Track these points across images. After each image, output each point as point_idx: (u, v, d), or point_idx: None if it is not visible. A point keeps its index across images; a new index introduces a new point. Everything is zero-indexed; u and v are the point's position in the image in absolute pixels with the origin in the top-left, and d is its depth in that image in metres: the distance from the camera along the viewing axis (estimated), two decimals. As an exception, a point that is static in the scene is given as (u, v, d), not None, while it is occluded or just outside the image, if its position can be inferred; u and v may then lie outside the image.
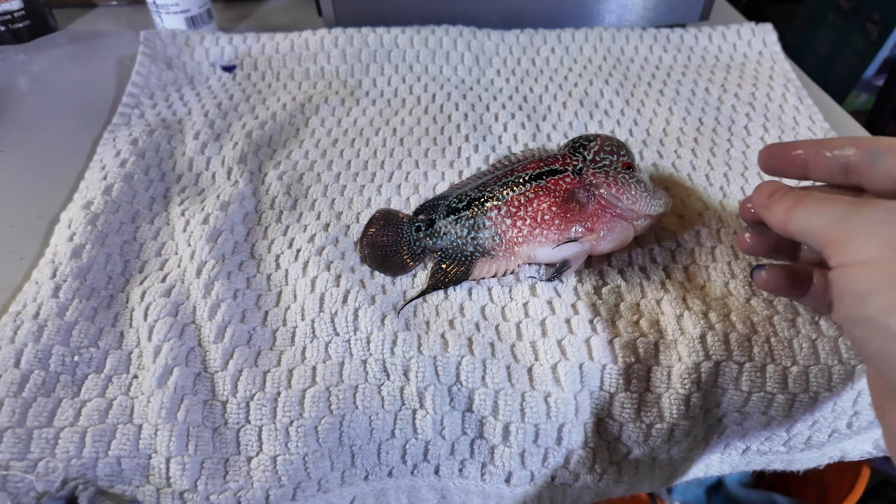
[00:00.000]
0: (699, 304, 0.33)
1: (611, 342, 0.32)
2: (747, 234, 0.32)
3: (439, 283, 0.35)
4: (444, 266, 0.35)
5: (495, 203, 0.35)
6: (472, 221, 0.35)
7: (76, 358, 0.31)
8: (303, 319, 0.33)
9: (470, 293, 0.35)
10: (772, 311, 0.33)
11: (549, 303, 0.34)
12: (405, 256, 0.36)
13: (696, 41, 0.55)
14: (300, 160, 0.44)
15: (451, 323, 0.33)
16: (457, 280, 0.35)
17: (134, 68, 0.51)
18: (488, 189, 0.36)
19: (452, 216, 0.36)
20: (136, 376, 0.31)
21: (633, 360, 0.31)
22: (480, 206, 0.36)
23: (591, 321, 0.33)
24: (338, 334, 0.32)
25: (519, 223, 0.35)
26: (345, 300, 0.33)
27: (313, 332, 0.32)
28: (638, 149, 0.45)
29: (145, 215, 0.40)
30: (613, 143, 0.38)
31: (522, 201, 0.35)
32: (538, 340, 0.32)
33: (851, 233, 0.22)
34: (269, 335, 0.33)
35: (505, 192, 0.36)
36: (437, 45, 0.53)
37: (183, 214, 0.39)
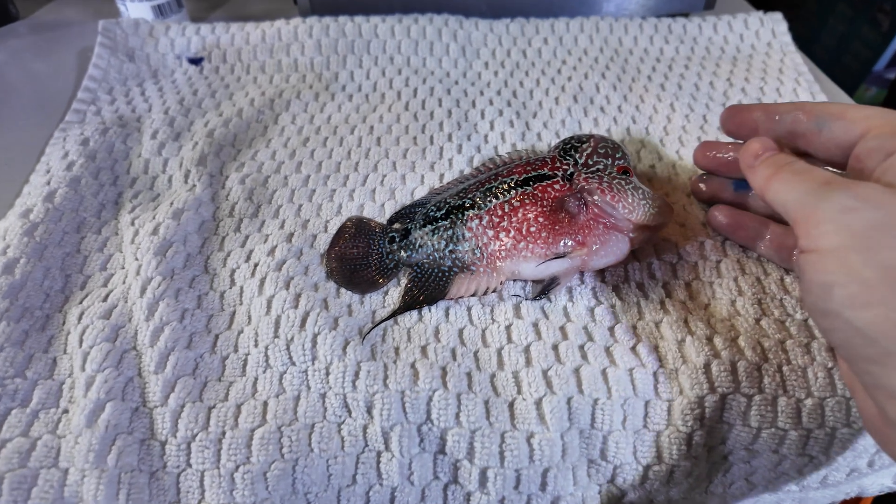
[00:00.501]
0: (703, 328, 0.29)
1: (604, 372, 0.28)
2: (701, 184, 0.36)
3: (413, 302, 0.31)
4: (419, 282, 0.32)
5: (476, 212, 0.32)
6: (450, 232, 0.32)
7: (-1, 390, 0.28)
8: (256, 346, 0.29)
9: (447, 314, 0.31)
10: (784, 335, 0.29)
11: (535, 325, 0.30)
12: (375, 272, 0.32)
13: (700, 31, 0.51)
14: (266, 161, 0.40)
15: (423, 350, 0.29)
16: (432, 299, 0.31)
17: (91, 61, 0.47)
18: (469, 196, 0.33)
19: (429, 226, 0.33)
20: (66, 411, 0.27)
21: (628, 393, 0.27)
22: (460, 216, 0.32)
23: (581, 347, 0.29)
24: (294, 364, 0.28)
25: (502, 235, 0.31)
26: (303, 324, 0.29)
27: (266, 361, 0.29)
28: (636, 149, 0.41)
29: (92, 224, 0.36)
30: (608, 144, 0.34)
31: (506, 210, 0.31)
32: (521, 370, 0.28)
33: (819, 217, 0.22)
34: (218, 363, 0.29)
35: (487, 200, 0.32)
36: (419, 35, 0.49)
37: (133, 223, 0.35)
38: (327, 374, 0.27)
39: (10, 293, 0.31)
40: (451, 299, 0.31)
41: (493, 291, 0.31)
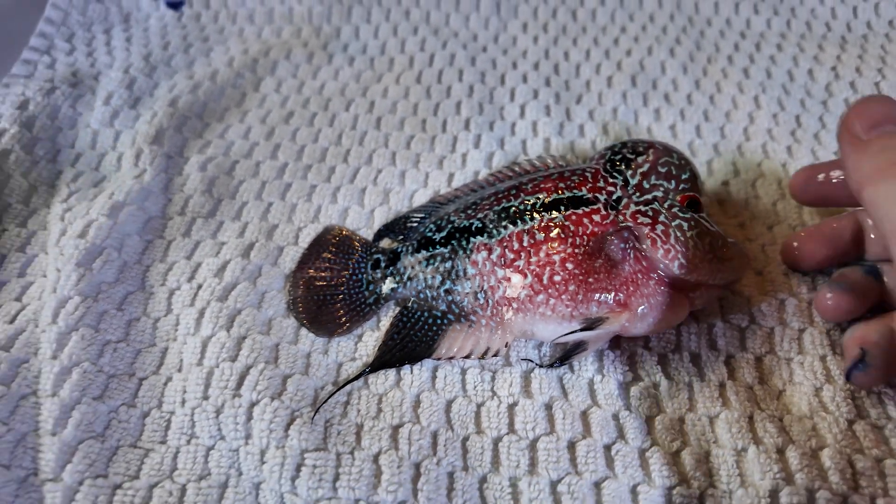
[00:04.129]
0: (773, 431, 0.22)
1: (633, 490, 0.21)
2: (829, 295, 0.24)
3: (390, 357, 0.24)
4: (402, 330, 0.24)
5: (485, 241, 0.24)
6: (448, 265, 0.24)
7: None
8: (182, 405, 0.23)
9: (434, 377, 0.24)
10: (884, 451, 0.21)
11: (549, 408, 0.23)
12: (348, 308, 0.25)
13: (800, 0, 0.40)
14: (237, 141, 0.33)
15: (395, 432, 0.22)
16: (415, 355, 0.24)
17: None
18: (479, 216, 0.25)
19: (424, 251, 0.25)
20: (-59, 471, 0.22)
21: (664, 525, 0.20)
22: (464, 243, 0.24)
23: (608, 447, 0.21)
24: (223, 439, 0.22)
25: (515, 279, 0.23)
26: (239, 385, 0.22)
27: (192, 429, 0.22)
28: (706, 157, 0.32)
29: (17, 213, 0.29)
30: (673, 160, 0.25)
31: (525, 244, 0.23)
32: (522, 479, 0.21)
33: None
34: (137, 422, 0.23)
35: (502, 226, 0.24)
36: (445, -15, 0.40)
37: (63, 217, 0.28)
38: (262, 460, 0.21)
39: None
40: (440, 359, 0.24)
41: (496, 355, 0.24)
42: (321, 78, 0.36)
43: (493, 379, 0.24)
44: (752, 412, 0.22)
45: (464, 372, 0.24)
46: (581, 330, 0.22)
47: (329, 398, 0.23)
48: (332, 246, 0.27)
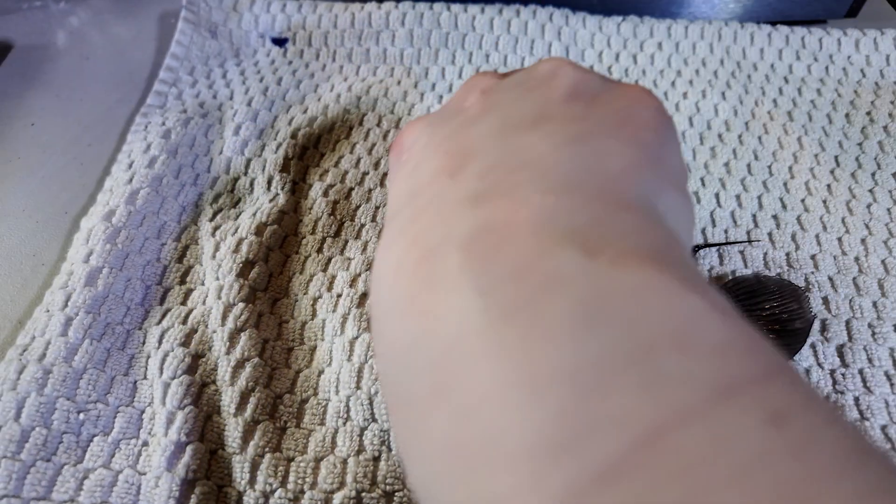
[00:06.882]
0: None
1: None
2: None
3: None
4: None
5: None
6: None
7: (82, 416, 0.27)
8: (336, 393, 0.28)
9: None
10: None
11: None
12: None
13: (838, 48, 0.45)
14: (350, 170, 0.38)
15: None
16: None
17: (174, 37, 0.45)
18: None
19: None
20: (146, 444, 0.27)
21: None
22: None
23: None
24: (376, 421, 0.27)
25: None
26: (388, 380, 0.27)
27: (347, 413, 0.27)
28: (757, 193, 0.37)
29: (172, 229, 0.35)
30: None
31: None
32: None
33: None
34: (298, 406, 0.28)
35: None
36: (520, 30, 0.45)
37: (214, 234, 0.34)
38: (411, 440, 0.26)
39: (93, 307, 0.30)
40: None
41: None
42: (415, 113, 0.41)
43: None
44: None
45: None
46: None
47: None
48: None
